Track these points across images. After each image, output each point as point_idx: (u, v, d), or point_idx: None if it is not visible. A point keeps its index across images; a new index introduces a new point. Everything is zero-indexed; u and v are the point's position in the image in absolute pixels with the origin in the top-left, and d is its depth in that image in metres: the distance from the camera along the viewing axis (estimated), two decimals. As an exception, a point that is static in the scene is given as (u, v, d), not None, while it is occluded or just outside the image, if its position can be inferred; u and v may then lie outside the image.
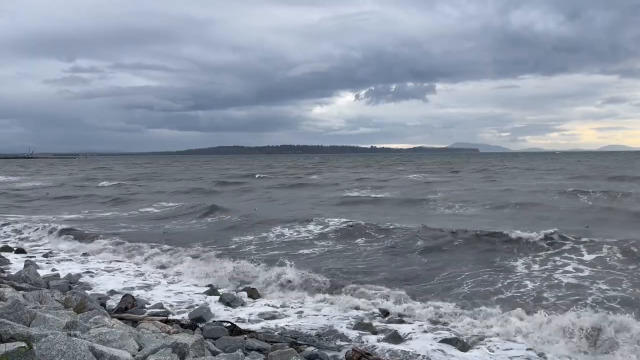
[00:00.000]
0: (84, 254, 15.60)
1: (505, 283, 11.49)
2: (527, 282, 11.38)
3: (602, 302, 9.81)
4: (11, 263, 13.85)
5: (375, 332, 8.75)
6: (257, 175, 57.57)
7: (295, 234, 18.14)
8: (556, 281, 11.40)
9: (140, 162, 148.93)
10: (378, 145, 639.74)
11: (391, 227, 17.69)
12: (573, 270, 12.22)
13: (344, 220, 19.31)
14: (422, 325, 9.11)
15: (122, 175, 63.90)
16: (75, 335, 5.09)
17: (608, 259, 12.79)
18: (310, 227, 18.89)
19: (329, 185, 41.33)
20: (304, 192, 35.78)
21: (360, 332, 8.76)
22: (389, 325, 9.12)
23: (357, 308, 10.10)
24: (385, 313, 9.78)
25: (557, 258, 13.29)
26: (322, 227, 18.75)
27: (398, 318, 9.52)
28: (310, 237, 17.48)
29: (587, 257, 13.18)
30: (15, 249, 16.26)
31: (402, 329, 8.86)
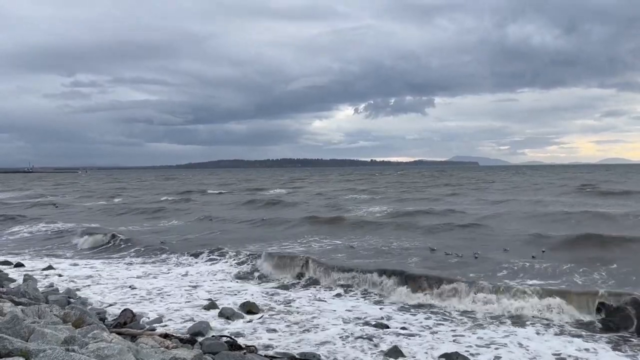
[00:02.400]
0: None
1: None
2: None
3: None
4: (10, 277, 13.79)
5: (376, 346, 8.70)
6: (208, 191, 54.99)
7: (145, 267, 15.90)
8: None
9: (131, 175, 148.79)
10: (378, 159, 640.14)
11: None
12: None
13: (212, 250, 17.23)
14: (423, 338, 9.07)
15: (79, 191, 61.45)
16: (73, 350, 5.07)
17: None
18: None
19: (285, 203, 37.08)
20: (249, 212, 32.11)
21: (361, 346, 8.71)
22: (389, 338, 9.08)
23: (357, 322, 10.06)
24: (384, 326, 9.76)
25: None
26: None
27: (399, 331, 9.48)
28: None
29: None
30: (14, 263, 16.23)
31: (403, 342, 8.82)
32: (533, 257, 14.74)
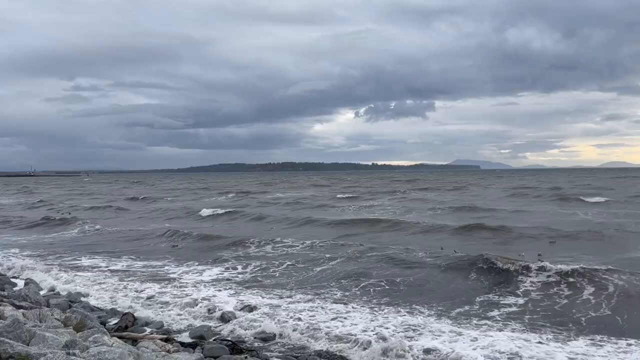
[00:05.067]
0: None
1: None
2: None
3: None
4: (12, 281, 13.79)
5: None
6: (141, 197, 51.67)
7: None
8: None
9: (119, 179, 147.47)
10: (379, 162, 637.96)
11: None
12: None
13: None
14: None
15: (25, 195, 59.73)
16: (74, 354, 5.07)
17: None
18: None
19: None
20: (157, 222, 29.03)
21: (362, 350, 8.68)
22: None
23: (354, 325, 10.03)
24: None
25: None
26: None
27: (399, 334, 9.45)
28: None
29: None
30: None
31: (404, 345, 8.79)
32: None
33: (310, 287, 13.13)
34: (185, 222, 29.14)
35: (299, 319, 10.28)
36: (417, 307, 11.11)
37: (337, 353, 8.54)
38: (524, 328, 9.58)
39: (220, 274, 15.03)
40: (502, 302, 11.38)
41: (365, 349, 8.56)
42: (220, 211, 33.22)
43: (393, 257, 15.87)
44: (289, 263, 16.02)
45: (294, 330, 9.63)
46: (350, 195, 47.88)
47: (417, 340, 8.89)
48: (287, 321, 10.18)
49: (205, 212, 33.10)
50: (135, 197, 52.81)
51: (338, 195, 48.71)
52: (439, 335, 9.12)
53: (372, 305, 11.30)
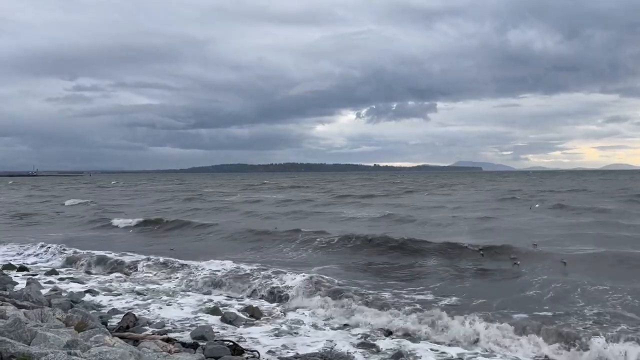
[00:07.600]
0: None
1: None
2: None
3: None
4: (13, 280, 13.80)
5: (379, 351, 8.66)
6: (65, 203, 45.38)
7: None
8: None
9: (106, 180, 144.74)
10: (381, 164, 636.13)
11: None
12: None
13: None
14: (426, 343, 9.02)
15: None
16: (75, 354, 5.07)
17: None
18: None
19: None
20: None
21: (364, 351, 8.67)
22: (393, 343, 9.04)
23: (360, 326, 10.03)
24: (388, 332, 9.71)
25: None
26: None
27: (402, 335, 9.44)
28: None
29: None
30: (18, 266, 16.25)
31: (407, 347, 8.79)
32: None
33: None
34: (87, 233, 25.56)
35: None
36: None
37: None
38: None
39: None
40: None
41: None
42: (141, 219, 27.91)
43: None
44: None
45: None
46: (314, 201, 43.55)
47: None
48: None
49: (118, 222, 28.22)
50: (62, 201, 47.25)
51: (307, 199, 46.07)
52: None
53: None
